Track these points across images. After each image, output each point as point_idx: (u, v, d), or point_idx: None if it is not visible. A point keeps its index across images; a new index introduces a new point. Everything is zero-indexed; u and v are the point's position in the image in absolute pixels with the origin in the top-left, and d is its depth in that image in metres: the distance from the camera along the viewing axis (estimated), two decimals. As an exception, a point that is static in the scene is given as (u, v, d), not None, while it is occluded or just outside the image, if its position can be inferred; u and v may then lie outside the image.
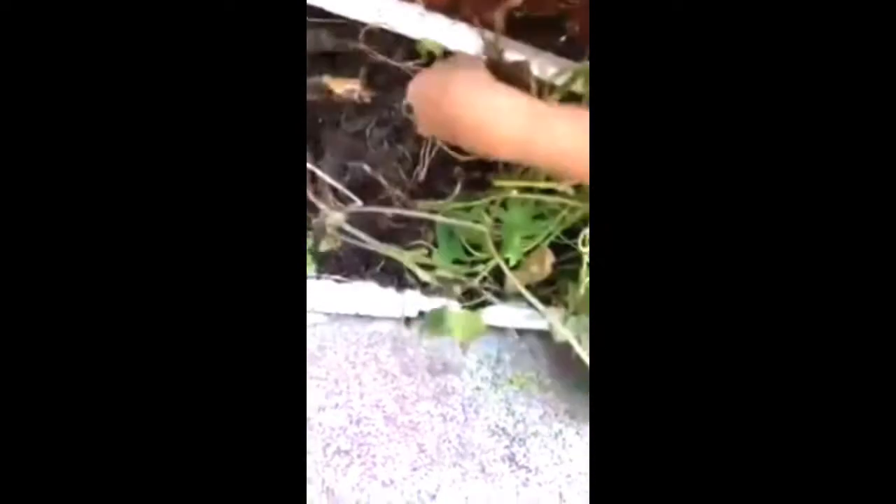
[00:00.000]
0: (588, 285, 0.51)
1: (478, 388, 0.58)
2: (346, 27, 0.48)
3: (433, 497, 0.50)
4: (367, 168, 0.54)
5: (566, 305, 0.55)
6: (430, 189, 0.56)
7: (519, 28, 0.54)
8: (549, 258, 0.52)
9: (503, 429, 0.56)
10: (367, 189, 0.56)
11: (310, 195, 0.50)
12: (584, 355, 0.48)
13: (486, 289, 0.57)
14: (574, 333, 0.50)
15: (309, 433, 0.50)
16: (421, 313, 0.60)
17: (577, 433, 0.57)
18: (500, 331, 0.61)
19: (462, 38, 0.49)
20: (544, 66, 0.51)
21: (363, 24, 0.48)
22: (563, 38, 0.56)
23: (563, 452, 0.55)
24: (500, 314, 0.60)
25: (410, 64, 0.50)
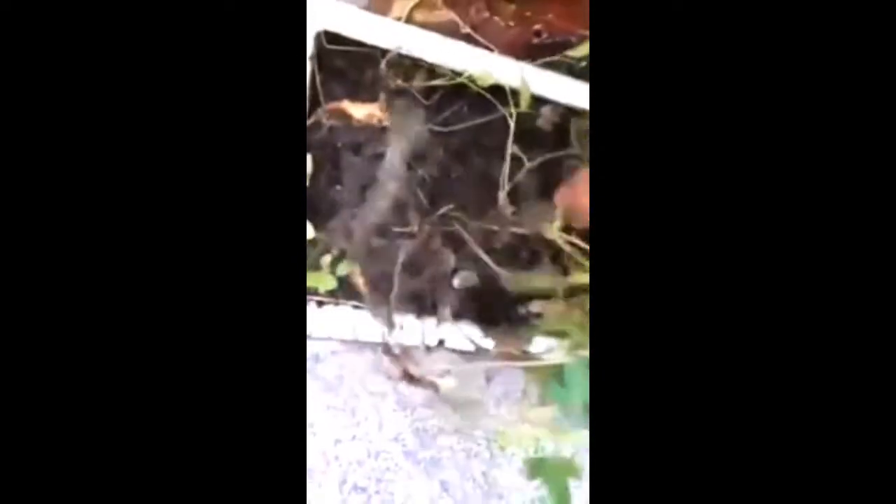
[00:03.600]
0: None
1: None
2: (365, 54, 0.50)
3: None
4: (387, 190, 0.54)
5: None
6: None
7: (536, 52, 0.54)
8: None
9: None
10: (386, 215, 0.56)
11: None
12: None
13: None
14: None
15: (326, 467, 0.48)
16: (440, 342, 0.58)
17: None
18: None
19: (480, 62, 0.50)
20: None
21: (383, 51, 0.49)
22: (583, 64, 0.57)
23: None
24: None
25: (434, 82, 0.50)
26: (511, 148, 0.51)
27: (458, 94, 0.52)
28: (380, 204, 0.54)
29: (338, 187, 0.54)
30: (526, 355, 0.49)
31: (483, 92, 0.50)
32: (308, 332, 0.54)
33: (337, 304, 0.55)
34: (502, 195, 0.52)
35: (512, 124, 0.51)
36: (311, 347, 0.55)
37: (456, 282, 0.59)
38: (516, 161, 0.52)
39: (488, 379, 0.56)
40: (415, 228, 0.55)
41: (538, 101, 0.52)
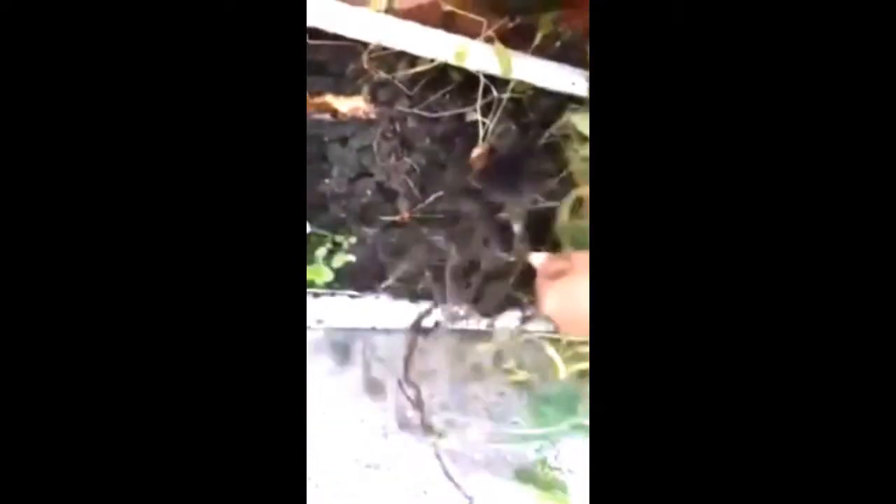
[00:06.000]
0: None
1: (502, 394, 0.57)
2: (347, 48, 0.50)
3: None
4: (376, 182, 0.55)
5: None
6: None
7: (513, 36, 0.55)
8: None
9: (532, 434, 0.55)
10: (376, 205, 0.57)
11: None
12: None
13: None
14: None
15: (340, 446, 0.50)
16: (437, 324, 0.60)
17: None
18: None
19: (457, 45, 0.50)
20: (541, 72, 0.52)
21: (364, 44, 0.49)
22: (557, 44, 0.58)
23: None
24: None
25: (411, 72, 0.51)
26: (488, 137, 0.53)
27: (441, 81, 0.53)
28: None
29: (326, 181, 0.55)
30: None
31: (464, 68, 0.50)
32: (308, 322, 0.55)
33: (333, 294, 0.57)
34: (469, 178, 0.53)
35: (482, 120, 0.52)
36: (311, 336, 0.57)
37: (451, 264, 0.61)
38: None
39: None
40: (405, 216, 0.56)
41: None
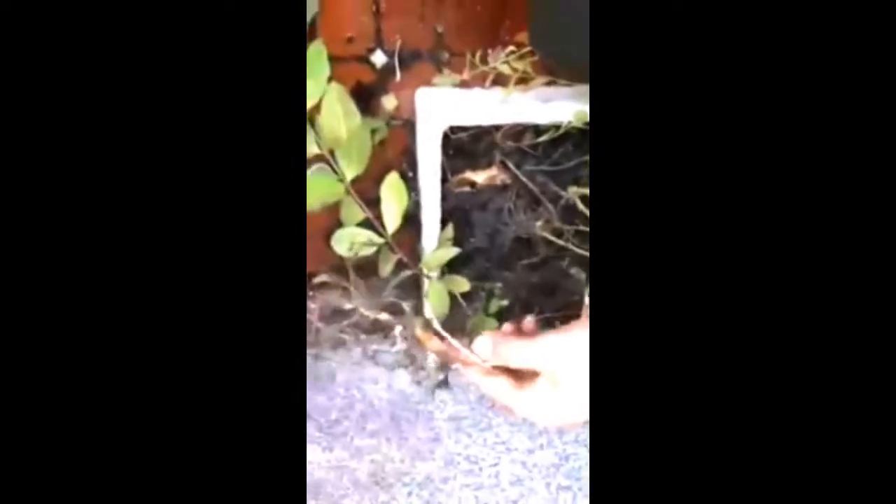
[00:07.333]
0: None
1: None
2: (482, 131, 0.57)
3: None
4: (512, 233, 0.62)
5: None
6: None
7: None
8: None
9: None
10: (513, 252, 0.64)
11: None
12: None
13: None
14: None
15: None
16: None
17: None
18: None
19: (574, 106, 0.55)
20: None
21: (497, 126, 0.56)
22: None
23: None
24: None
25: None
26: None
27: (563, 137, 0.59)
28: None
29: (471, 240, 0.63)
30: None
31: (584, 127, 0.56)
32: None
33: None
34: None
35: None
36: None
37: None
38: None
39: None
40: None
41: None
